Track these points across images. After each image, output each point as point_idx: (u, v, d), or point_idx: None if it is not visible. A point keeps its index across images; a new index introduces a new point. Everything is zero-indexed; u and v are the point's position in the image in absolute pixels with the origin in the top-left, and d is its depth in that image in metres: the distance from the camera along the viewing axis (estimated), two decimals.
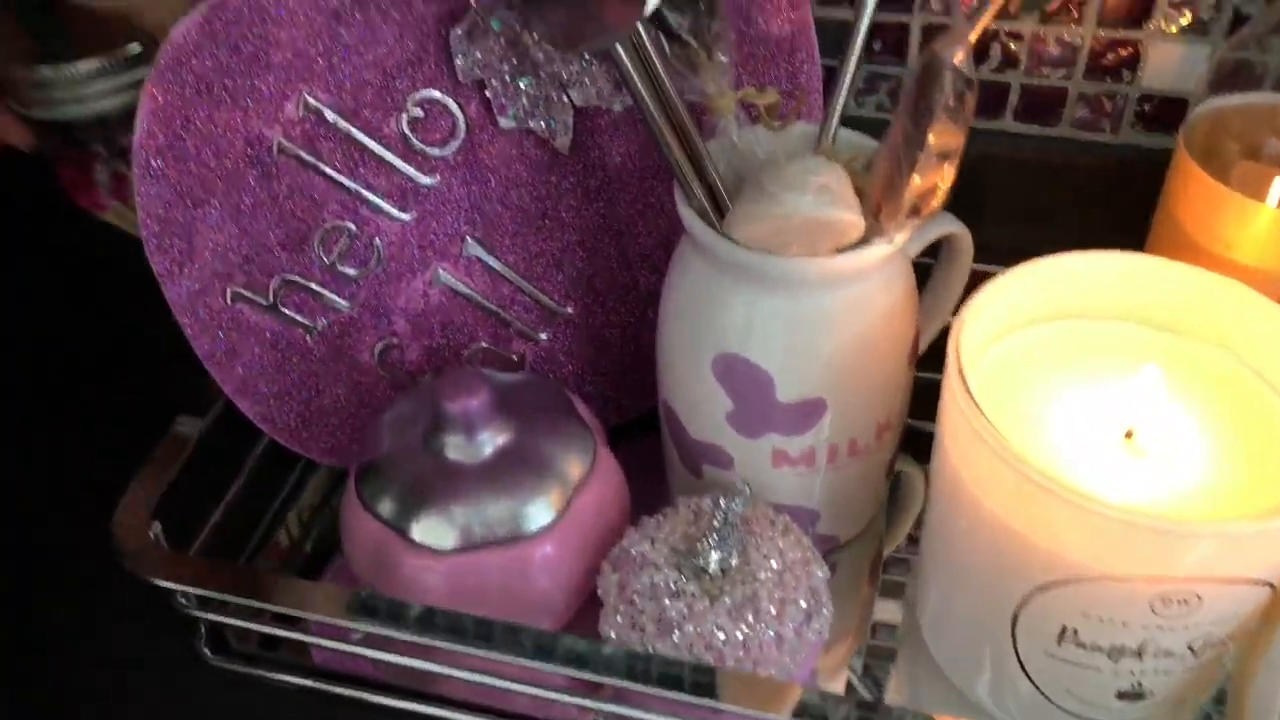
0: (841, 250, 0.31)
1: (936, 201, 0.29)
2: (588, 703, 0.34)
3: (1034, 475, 0.28)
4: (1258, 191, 0.32)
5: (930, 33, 0.42)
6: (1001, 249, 0.38)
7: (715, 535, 0.34)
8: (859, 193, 0.31)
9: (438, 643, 0.33)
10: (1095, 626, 0.30)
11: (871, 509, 0.41)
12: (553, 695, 0.35)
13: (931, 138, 0.27)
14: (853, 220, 0.30)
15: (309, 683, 0.37)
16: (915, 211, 0.29)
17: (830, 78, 0.37)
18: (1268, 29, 0.32)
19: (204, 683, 0.38)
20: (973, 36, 0.29)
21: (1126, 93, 0.40)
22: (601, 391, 0.44)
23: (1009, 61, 0.41)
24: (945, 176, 0.29)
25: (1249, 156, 0.33)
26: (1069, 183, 0.41)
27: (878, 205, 0.30)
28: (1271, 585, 0.29)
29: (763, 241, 0.31)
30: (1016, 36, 0.40)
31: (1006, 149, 0.42)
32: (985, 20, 0.31)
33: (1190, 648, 0.30)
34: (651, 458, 0.42)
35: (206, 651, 0.38)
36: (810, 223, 0.29)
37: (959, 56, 0.27)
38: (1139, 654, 0.30)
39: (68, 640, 0.39)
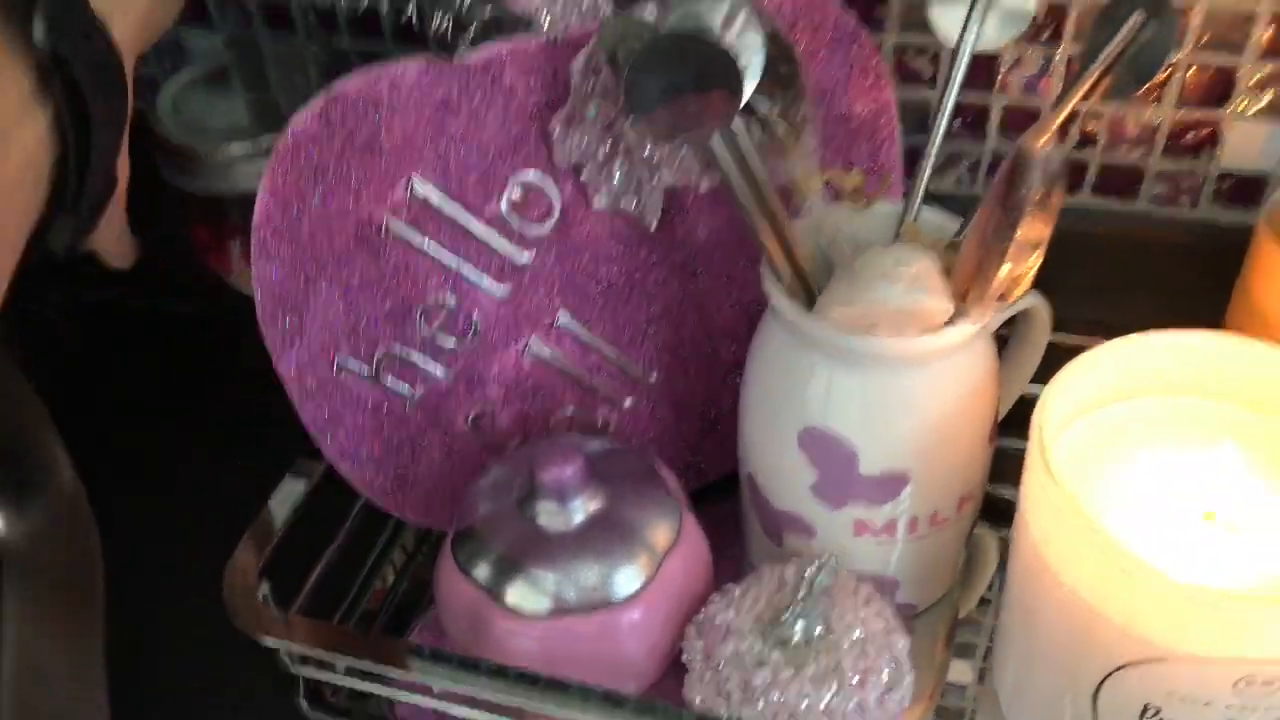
0: (927, 331, 0.33)
1: (1020, 289, 0.31)
2: None
3: (1116, 554, 0.29)
4: None
5: (1010, 113, 0.44)
6: (1077, 321, 0.40)
7: (800, 605, 0.35)
8: (945, 272, 0.32)
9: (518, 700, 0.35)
10: (1177, 706, 0.31)
11: (950, 577, 0.42)
12: None
13: (1020, 230, 0.29)
14: (943, 308, 0.31)
15: None
16: (1002, 298, 0.31)
17: (911, 156, 0.39)
18: None
19: None
20: (1056, 123, 0.31)
21: (1206, 170, 0.42)
22: (682, 456, 0.46)
23: (1087, 140, 0.42)
24: (1032, 264, 0.30)
25: None
26: (1146, 257, 0.42)
27: (965, 290, 0.32)
28: None
29: (851, 325, 0.32)
30: (1096, 116, 0.42)
31: (1085, 224, 0.43)
32: (1069, 106, 0.33)
33: None
34: (730, 521, 0.44)
35: (304, 704, 0.40)
36: (902, 312, 0.31)
37: (1047, 147, 0.29)
38: None
39: (179, 688, 0.42)
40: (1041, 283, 0.36)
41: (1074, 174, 0.43)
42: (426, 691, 0.38)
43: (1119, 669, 0.31)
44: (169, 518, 0.47)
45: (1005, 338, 0.40)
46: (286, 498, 0.41)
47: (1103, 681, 0.31)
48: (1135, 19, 0.33)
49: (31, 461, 0.41)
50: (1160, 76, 0.40)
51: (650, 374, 0.44)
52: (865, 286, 0.31)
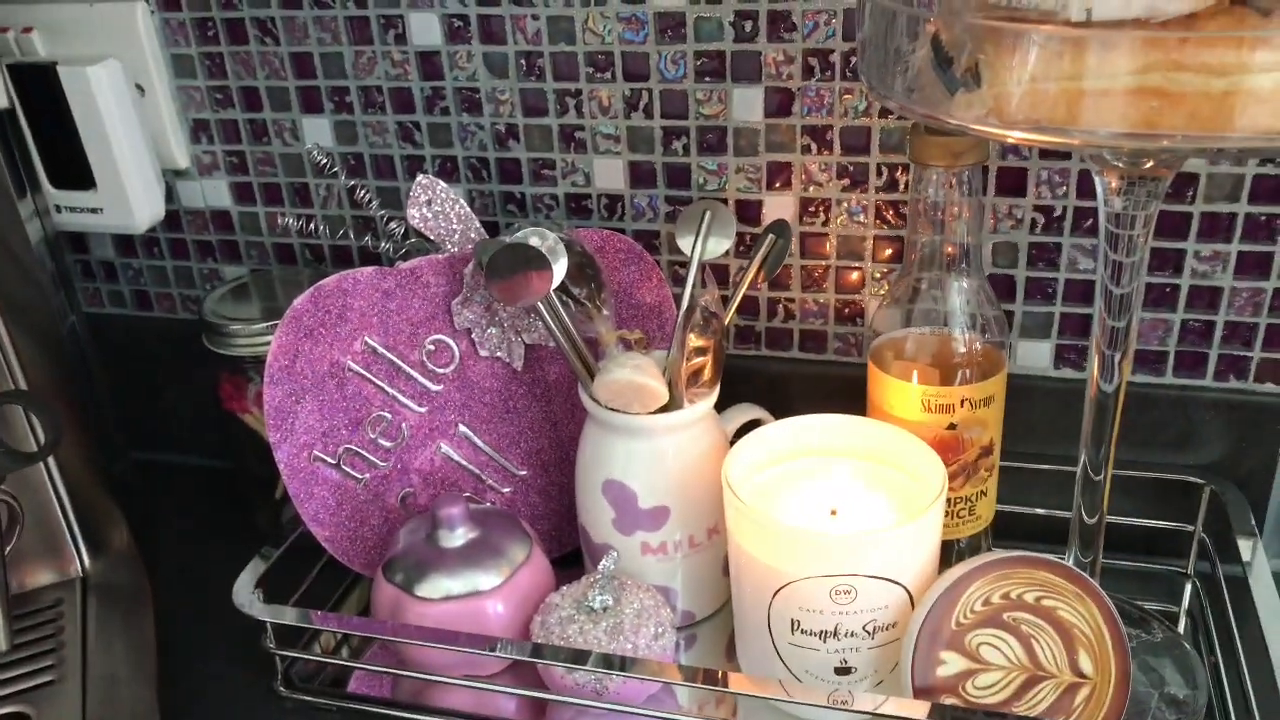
0: (662, 411, 0.57)
1: (705, 377, 0.56)
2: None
3: (773, 525, 0.52)
4: (905, 377, 0.58)
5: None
6: None
7: (597, 585, 0.57)
8: (663, 372, 0.57)
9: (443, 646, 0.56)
10: (805, 615, 0.52)
11: (717, 595, 0.64)
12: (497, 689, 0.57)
13: (690, 339, 0.54)
14: (656, 385, 0.55)
15: (349, 705, 0.59)
16: (692, 383, 0.55)
17: None
18: (902, 294, 0.59)
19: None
20: (735, 296, 0.57)
21: (860, 332, 0.68)
22: (546, 530, 0.68)
23: (789, 316, 0.69)
24: (706, 364, 0.55)
25: (906, 361, 0.59)
26: (834, 387, 0.66)
27: (675, 382, 0.56)
28: (904, 586, 0.52)
29: (612, 401, 0.57)
30: (790, 300, 0.68)
31: (790, 368, 0.69)
32: (745, 284, 0.59)
33: (865, 629, 0.52)
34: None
35: (281, 688, 0.60)
36: (631, 385, 0.55)
37: (706, 300, 0.54)
38: (835, 635, 0.52)
39: (181, 683, 0.62)
40: (779, 401, 0.60)
41: (784, 338, 0.69)
42: (389, 663, 0.58)
43: (776, 593, 0.52)
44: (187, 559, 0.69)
45: None
46: (275, 547, 0.63)
47: (770, 607, 0.53)
48: (771, 238, 0.61)
49: (102, 522, 0.63)
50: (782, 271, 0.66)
51: (522, 470, 0.67)
52: (606, 371, 0.56)
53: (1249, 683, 0.54)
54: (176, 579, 0.67)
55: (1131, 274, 0.48)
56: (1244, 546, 0.60)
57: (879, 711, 0.49)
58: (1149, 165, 0.44)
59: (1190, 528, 0.64)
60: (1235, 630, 0.57)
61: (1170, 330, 0.63)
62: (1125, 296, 0.49)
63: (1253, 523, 0.61)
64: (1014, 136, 0.38)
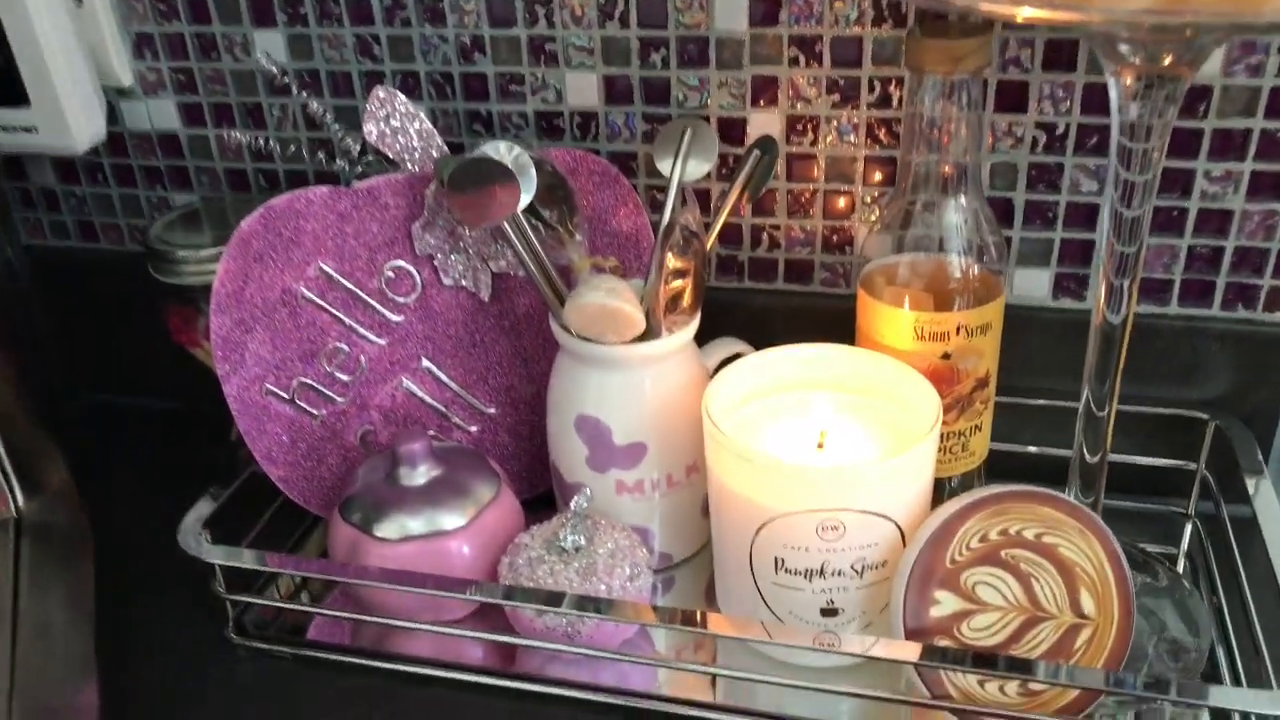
0: (638, 340, 0.54)
1: (685, 303, 0.52)
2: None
3: (754, 458, 0.48)
4: (898, 303, 0.55)
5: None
6: None
7: (569, 524, 0.54)
8: (639, 299, 0.53)
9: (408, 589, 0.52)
10: (790, 553, 0.49)
11: (696, 537, 0.61)
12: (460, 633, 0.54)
13: (670, 261, 0.50)
14: (631, 310, 0.52)
15: (303, 652, 0.56)
16: (671, 310, 0.52)
17: None
18: (894, 219, 0.55)
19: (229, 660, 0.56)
20: (717, 221, 0.53)
21: (849, 261, 0.64)
22: (517, 471, 0.65)
23: (774, 244, 0.65)
24: (686, 288, 0.52)
25: (899, 286, 0.55)
26: (820, 320, 0.63)
27: (653, 308, 0.53)
28: (895, 522, 0.49)
29: (584, 329, 0.53)
30: (776, 227, 0.65)
31: (778, 301, 0.66)
32: (729, 204, 0.55)
33: (854, 568, 0.49)
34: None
35: (232, 635, 0.57)
36: (604, 310, 0.51)
37: (686, 219, 0.51)
38: (822, 574, 0.49)
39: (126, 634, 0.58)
40: (763, 336, 0.57)
41: (768, 268, 0.66)
42: (348, 608, 0.55)
43: (759, 529, 0.49)
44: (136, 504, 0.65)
45: None
46: (225, 488, 0.59)
47: (752, 545, 0.50)
48: (756, 154, 0.57)
49: (39, 461, 0.60)
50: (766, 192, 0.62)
51: (490, 408, 0.64)
52: (578, 295, 0.52)
53: (1257, 625, 0.51)
54: (127, 524, 0.63)
55: (1144, 195, 0.45)
56: (1251, 485, 0.57)
57: (867, 654, 0.47)
58: (1168, 61, 0.41)
59: (1192, 466, 0.61)
60: (1242, 571, 0.54)
61: (1176, 257, 0.60)
62: (1136, 220, 0.46)
63: (1260, 459, 0.58)
64: (1024, 14, 0.35)
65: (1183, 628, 0.54)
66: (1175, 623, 0.54)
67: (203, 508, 0.57)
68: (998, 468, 0.61)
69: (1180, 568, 0.60)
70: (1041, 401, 0.62)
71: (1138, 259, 0.47)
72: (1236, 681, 0.52)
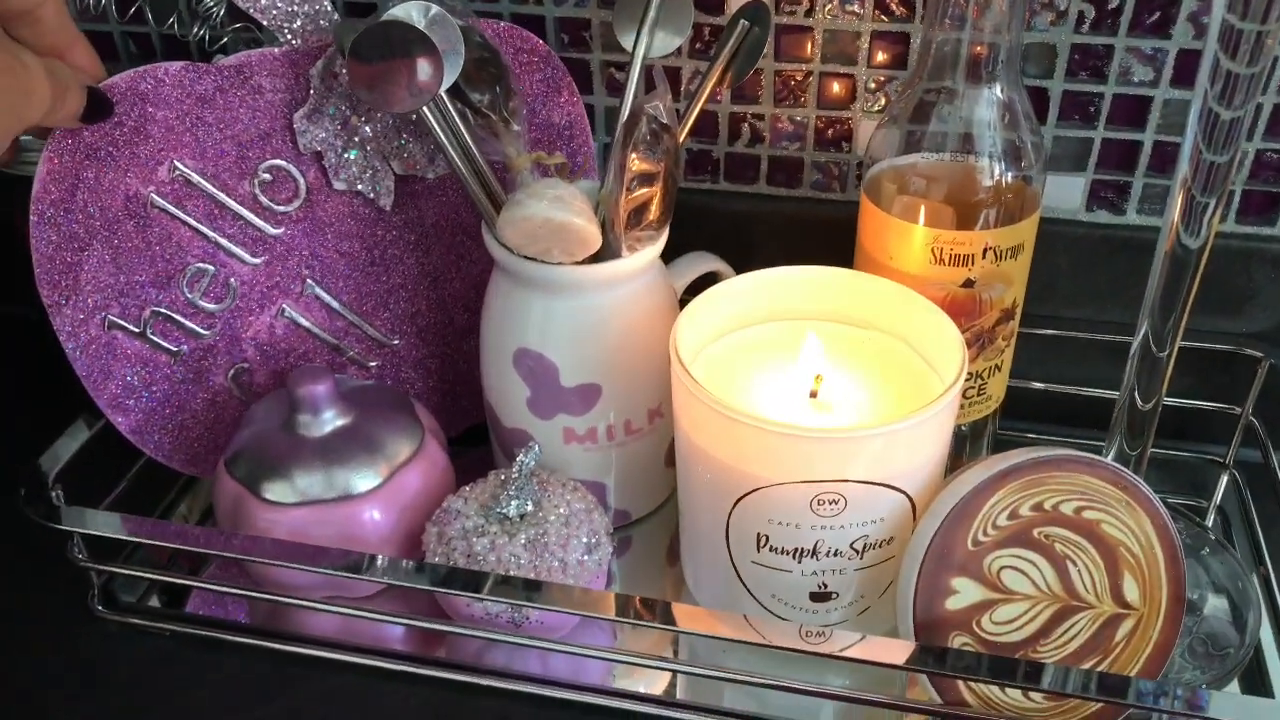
0: (592, 260, 0.44)
1: (651, 216, 0.43)
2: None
3: (730, 412, 0.40)
4: (911, 217, 0.47)
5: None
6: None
7: (513, 486, 0.45)
8: (595, 208, 0.44)
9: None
10: (778, 530, 0.41)
11: (659, 490, 0.53)
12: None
13: (633, 163, 0.41)
14: (583, 225, 0.43)
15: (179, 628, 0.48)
16: (634, 224, 0.42)
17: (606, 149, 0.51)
18: (906, 110, 0.47)
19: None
20: (691, 109, 0.43)
21: (847, 160, 0.55)
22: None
23: (757, 138, 0.56)
24: (653, 196, 0.42)
25: (913, 195, 0.47)
26: (811, 231, 0.55)
27: (612, 221, 0.43)
28: (907, 494, 0.41)
29: (525, 247, 0.44)
30: (759, 117, 0.55)
31: (764, 207, 0.57)
32: (706, 89, 0.45)
33: (854, 547, 0.42)
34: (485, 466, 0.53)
35: (98, 606, 0.48)
36: (550, 224, 0.42)
37: (654, 107, 0.41)
38: (814, 554, 0.42)
39: None
40: (741, 249, 0.48)
41: (751, 166, 0.57)
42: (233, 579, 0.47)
43: (739, 500, 0.41)
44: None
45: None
46: (76, 434, 0.50)
47: (730, 517, 0.42)
48: (743, 25, 0.47)
49: None
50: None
51: (393, 339, 0.54)
52: (519, 205, 0.43)
53: None
54: None
55: (1249, 90, 0.38)
56: None
57: (850, 657, 0.40)
58: None
59: (1236, 410, 0.55)
60: None
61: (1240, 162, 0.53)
62: (1234, 122, 0.38)
63: None
64: None
65: (1225, 609, 0.48)
66: (1217, 602, 0.48)
67: (58, 450, 0.49)
68: (1009, 408, 0.54)
69: (1209, 522, 0.55)
70: (1070, 334, 0.56)
71: (1229, 171, 0.39)
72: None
